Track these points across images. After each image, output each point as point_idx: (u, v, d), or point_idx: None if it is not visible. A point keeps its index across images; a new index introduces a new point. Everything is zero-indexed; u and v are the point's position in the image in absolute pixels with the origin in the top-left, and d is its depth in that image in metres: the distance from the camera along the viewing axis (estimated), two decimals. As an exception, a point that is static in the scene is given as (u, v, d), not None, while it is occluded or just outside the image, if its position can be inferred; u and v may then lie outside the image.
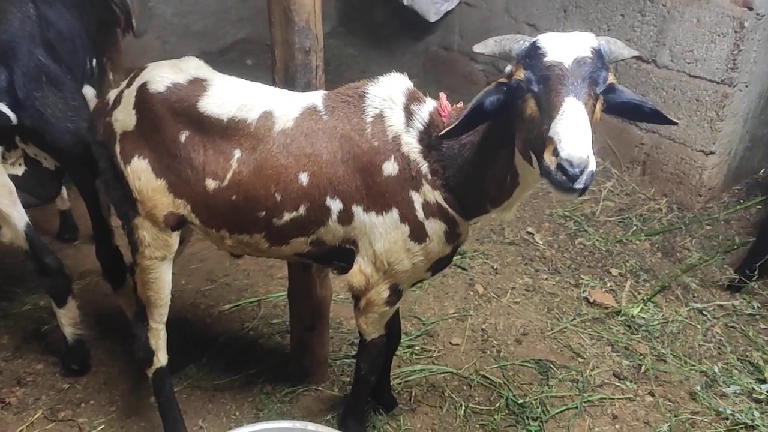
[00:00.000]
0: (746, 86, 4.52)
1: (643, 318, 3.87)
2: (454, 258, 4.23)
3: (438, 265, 2.47)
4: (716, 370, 3.51)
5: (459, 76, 6.27)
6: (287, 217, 2.34)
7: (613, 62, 1.96)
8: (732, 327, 3.85)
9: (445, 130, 2.06)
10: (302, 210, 2.33)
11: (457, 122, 2.02)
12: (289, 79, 2.66)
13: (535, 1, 5.52)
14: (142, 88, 2.39)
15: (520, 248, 4.50)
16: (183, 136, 2.36)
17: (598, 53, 1.89)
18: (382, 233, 2.32)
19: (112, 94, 2.54)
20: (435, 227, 2.31)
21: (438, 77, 6.50)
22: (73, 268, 4.01)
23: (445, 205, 2.28)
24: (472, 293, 4.05)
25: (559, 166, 1.74)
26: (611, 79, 1.92)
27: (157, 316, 2.72)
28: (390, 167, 2.25)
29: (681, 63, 4.68)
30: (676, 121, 2.11)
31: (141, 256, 2.57)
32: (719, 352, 3.68)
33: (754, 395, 3.38)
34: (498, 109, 2.01)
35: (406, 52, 6.79)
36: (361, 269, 2.42)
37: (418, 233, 2.31)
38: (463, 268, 4.24)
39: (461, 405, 3.25)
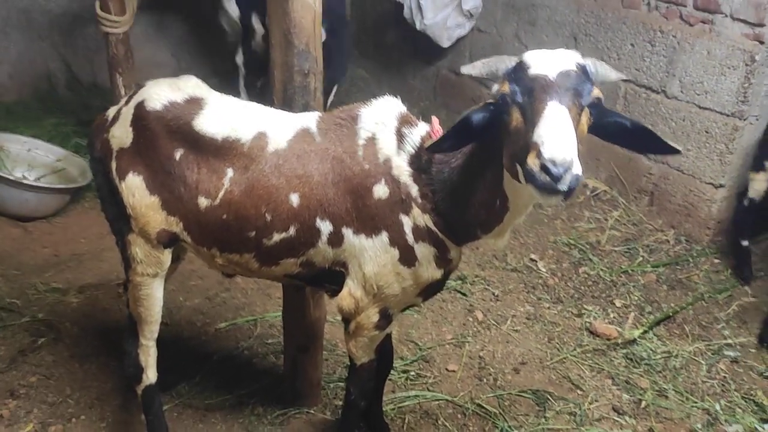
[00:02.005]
0: (757, 119, 4.48)
1: (646, 351, 3.81)
2: (454, 283, 4.24)
3: (429, 290, 2.43)
4: (718, 407, 3.43)
5: (468, 99, 6.27)
6: (277, 237, 2.33)
7: (600, 83, 1.94)
8: (737, 363, 3.78)
9: (431, 143, 2.04)
10: (292, 231, 2.32)
11: (442, 135, 2.01)
12: (287, 100, 2.67)
13: (545, 29, 5.53)
14: (140, 106, 2.40)
15: (522, 275, 4.46)
16: (178, 154, 2.37)
17: (583, 68, 1.89)
18: (371, 256, 2.30)
19: (111, 111, 2.55)
20: (424, 251, 2.29)
21: (447, 101, 6.52)
22: (73, 282, 4.04)
23: (434, 229, 2.26)
24: (471, 319, 4.01)
25: (543, 167, 1.71)
26: (597, 93, 1.90)
27: (148, 333, 2.71)
28: (380, 190, 2.24)
29: (691, 94, 4.65)
30: (679, 148, 2.06)
31: (133, 273, 2.57)
32: (723, 389, 3.60)
33: (756, 435, 3.31)
34: (485, 126, 1.99)
35: (417, 76, 6.81)
36: (350, 292, 2.40)
37: (407, 257, 2.29)
38: (464, 294, 4.21)
39: (454, 434, 3.21)
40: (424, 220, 2.25)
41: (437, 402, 3.40)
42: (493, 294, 4.25)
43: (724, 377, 3.67)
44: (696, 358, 3.79)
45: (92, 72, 6.44)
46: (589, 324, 4.00)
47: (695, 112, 4.65)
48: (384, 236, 2.27)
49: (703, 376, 3.68)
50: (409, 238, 2.27)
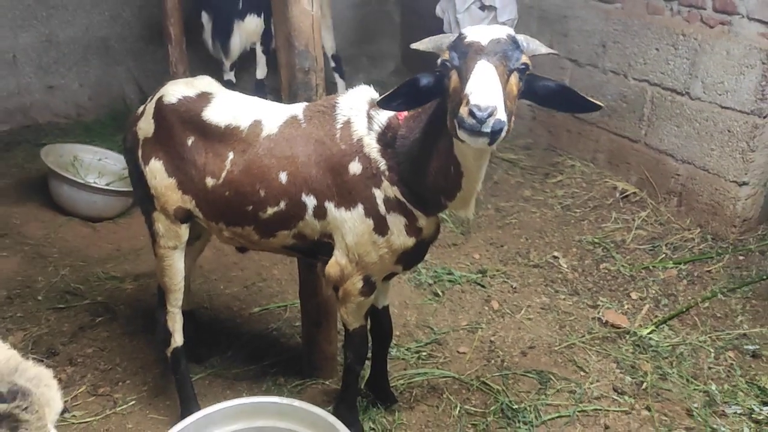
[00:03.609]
0: (776, 117, 4.55)
1: (654, 340, 3.93)
2: (474, 276, 4.48)
3: (405, 258, 2.72)
4: (718, 390, 3.52)
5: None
6: (270, 211, 2.69)
7: (531, 55, 2.22)
8: (746, 352, 3.84)
9: (381, 97, 2.35)
10: (282, 205, 2.67)
11: (391, 92, 2.32)
12: (292, 95, 3.05)
13: (575, 38, 5.74)
14: (159, 101, 2.84)
15: (543, 270, 4.65)
16: (189, 141, 2.79)
17: (513, 39, 2.19)
18: (351, 227, 2.62)
19: (140, 108, 3.01)
20: (395, 221, 2.59)
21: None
22: (130, 272, 4.55)
23: (402, 199, 2.56)
24: (487, 308, 4.24)
25: (470, 112, 2.01)
26: (525, 59, 2.18)
27: (173, 301, 3.12)
28: (355, 167, 2.57)
29: (713, 94, 4.76)
30: (600, 104, 2.31)
31: (157, 246, 3.00)
32: (728, 374, 3.68)
33: (753, 416, 3.37)
34: (430, 90, 2.31)
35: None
36: (337, 261, 2.73)
37: (381, 227, 2.60)
38: (483, 286, 4.44)
39: (457, 406, 3.44)
40: (393, 192, 2.56)
41: (444, 379, 3.65)
42: (512, 287, 4.47)
43: (731, 364, 3.74)
44: (704, 347, 3.88)
45: (162, 93, 7.08)
46: (601, 314, 4.15)
47: (717, 111, 4.75)
48: (360, 208, 2.60)
49: (710, 362, 3.76)
50: (381, 209, 2.58)
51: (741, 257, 4.69)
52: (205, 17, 5.77)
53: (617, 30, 5.41)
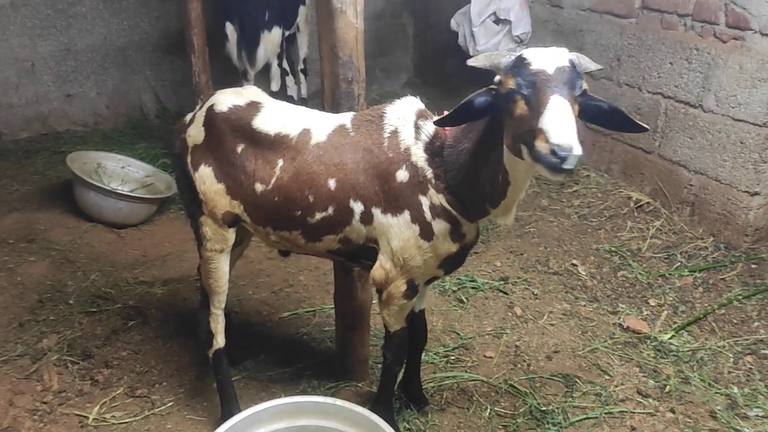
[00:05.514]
0: (789, 129, 4.68)
1: (675, 344, 4.04)
2: (497, 283, 4.59)
3: (448, 263, 2.83)
4: (740, 393, 3.63)
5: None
6: (318, 216, 2.79)
7: (583, 72, 2.32)
8: (763, 356, 3.95)
9: (439, 117, 2.44)
10: (330, 210, 2.77)
11: (449, 113, 2.41)
12: (335, 104, 3.15)
13: (591, 52, 5.87)
14: (210, 109, 2.95)
15: (562, 278, 4.76)
16: (239, 148, 2.89)
17: (573, 64, 2.26)
18: (397, 232, 2.72)
19: (188, 116, 3.11)
20: (440, 227, 2.69)
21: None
22: (158, 277, 4.63)
23: (448, 206, 2.66)
24: (510, 314, 4.35)
25: (552, 151, 2.07)
26: (585, 86, 2.28)
27: (217, 303, 3.21)
28: (402, 174, 2.67)
29: (725, 107, 4.89)
30: (646, 126, 2.42)
31: (204, 249, 3.09)
32: (748, 378, 3.79)
33: (775, 418, 3.50)
34: (486, 108, 2.37)
35: (474, 101, 7.24)
36: (381, 265, 2.82)
37: (426, 232, 2.70)
38: (505, 293, 4.55)
39: (487, 408, 3.54)
40: (439, 199, 2.66)
41: (473, 382, 3.75)
42: (533, 293, 4.58)
43: (750, 368, 3.86)
44: (724, 352, 3.98)
45: (178, 102, 7.20)
46: (622, 319, 4.26)
47: (730, 124, 4.88)
48: (406, 214, 2.70)
49: (729, 366, 3.87)
50: (427, 215, 2.69)
51: (754, 266, 4.81)
52: (229, 28, 5.85)
53: (632, 44, 5.55)
